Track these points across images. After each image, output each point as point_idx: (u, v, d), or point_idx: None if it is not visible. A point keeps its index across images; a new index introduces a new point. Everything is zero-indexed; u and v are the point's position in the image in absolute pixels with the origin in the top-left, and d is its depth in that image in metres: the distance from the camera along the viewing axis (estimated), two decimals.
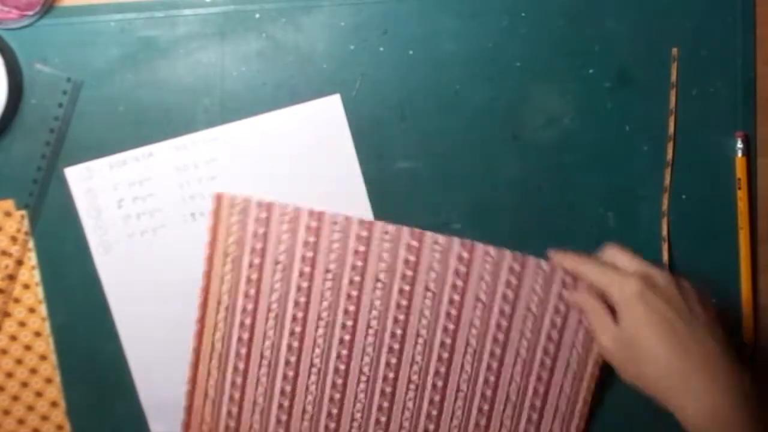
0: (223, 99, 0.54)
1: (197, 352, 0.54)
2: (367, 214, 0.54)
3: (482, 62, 0.54)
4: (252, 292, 0.53)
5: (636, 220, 0.56)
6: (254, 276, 0.53)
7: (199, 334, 0.54)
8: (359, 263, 0.53)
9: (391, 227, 0.53)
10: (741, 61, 0.55)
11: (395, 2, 0.54)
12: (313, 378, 0.54)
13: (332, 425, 0.55)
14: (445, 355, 0.54)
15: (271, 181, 0.54)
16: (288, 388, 0.55)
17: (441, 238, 0.53)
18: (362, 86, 0.54)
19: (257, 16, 0.53)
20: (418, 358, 0.54)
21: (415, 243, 0.53)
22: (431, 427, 0.55)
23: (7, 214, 0.54)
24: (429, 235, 0.53)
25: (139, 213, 0.54)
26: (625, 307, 0.47)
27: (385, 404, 0.55)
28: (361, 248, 0.53)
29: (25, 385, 0.56)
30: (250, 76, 0.54)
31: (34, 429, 0.56)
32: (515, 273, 0.53)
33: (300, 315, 0.54)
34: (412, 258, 0.53)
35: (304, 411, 0.55)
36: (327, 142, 0.54)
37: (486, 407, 0.55)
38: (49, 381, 0.55)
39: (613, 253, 0.50)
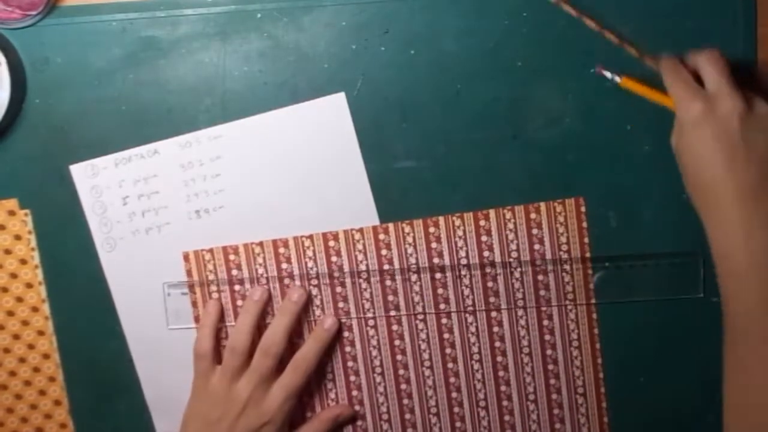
0: (224, 99, 0.54)
1: None
2: (371, 212, 0.55)
3: (483, 62, 0.54)
4: None
5: (636, 220, 0.56)
6: None
7: None
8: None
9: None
10: (741, 60, 0.55)
11: (396, 2, 0.54)
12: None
13: None
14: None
15: (275, 179, 0.54)
16: None
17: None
18: (363, 86, 0.54)
19: (259, 15, 0.53)
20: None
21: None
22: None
23: (11, 212, 0.54)
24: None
25: (144, 210, 0.54)
26: (685, 127, 0.48)
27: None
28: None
29: (28, 383, 0.56)
30: (252, 75, 0.54)
31: (38, 427, 0.56)
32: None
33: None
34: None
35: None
36: (331, 140, 0.54)
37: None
38: (52, 380, 0.56)
39: (703, 63, 0.49)
